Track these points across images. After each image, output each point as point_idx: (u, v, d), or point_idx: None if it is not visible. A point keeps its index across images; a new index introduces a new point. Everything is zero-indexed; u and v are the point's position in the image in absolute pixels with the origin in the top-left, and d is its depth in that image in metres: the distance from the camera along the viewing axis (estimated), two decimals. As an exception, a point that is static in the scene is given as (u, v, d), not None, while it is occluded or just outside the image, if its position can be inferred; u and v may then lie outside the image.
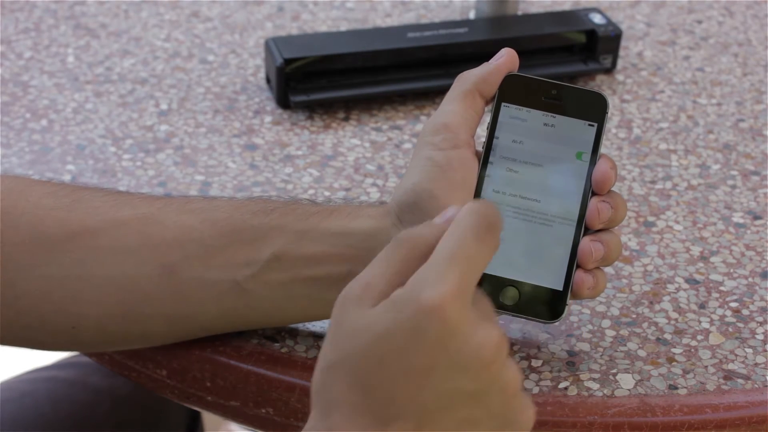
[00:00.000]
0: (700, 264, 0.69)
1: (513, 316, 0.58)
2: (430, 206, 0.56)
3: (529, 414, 0.48)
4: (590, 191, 0.58)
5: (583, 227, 0.58)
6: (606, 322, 0.64)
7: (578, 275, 0.57)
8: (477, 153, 0.59)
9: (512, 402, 0.47)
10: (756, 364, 0.62)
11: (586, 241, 0.57)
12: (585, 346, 0.62)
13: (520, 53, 0.60)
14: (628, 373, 0.61)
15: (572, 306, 0.65)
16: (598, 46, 0.88)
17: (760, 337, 0.64)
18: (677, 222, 0.73)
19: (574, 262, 0.57)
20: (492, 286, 0.57)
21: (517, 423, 0.48)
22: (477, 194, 0.58)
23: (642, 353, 0.62)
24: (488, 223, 0.48)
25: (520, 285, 0.57)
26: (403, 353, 0.45)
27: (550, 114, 0.59)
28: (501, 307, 0.57)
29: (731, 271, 0.69)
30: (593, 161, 0.58)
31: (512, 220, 0.58)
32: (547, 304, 0.57)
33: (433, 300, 0.45)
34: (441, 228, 0.48)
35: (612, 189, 0.58)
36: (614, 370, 0.61)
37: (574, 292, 0.57)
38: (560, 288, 0.57)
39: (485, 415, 0.47)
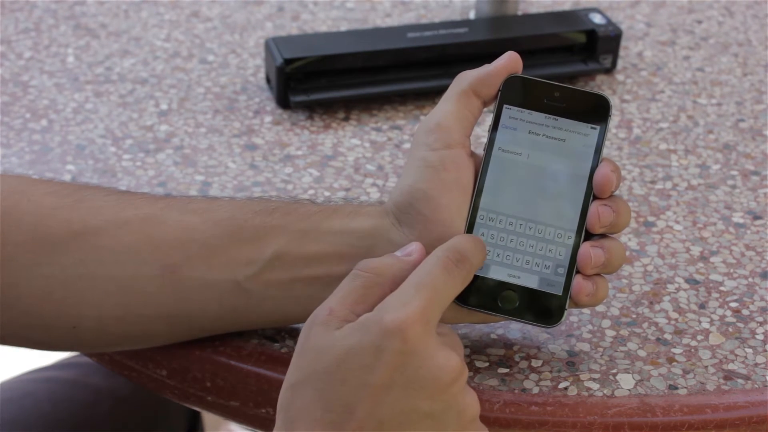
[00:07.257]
0: (700, 264, 0.70)
1: (511, 320, 0.58)
2: (425, 206, 0.56)
3: None
4: (592, 195, 0.58)
5: (584, 232, 0.57)
6: (606, 322, 0.64)
7: (577, 281, 0.57)
8: (474, 153, 0.59)
9: (469, 427, 0.50)
10: (756, 364, 0.62)
11: (585, 247, 0.57)
12: (585, 346, 0.63)
13: (520, 53, 0.59)
14: (628, 373, 0.61)
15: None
16: (598, 46, 0.88)
17: (760, 337, 0.64)
18: (677, 222, 0.73)
19: (573, 267, 0.57)
20: (491, 289, 0.57)
21: None
22: (478, 194, 0.57)
23: (642, 353, 0.62)
24: (459, 256, 0.52)
25: (519, 289, 0.57)
26: (364, 370, 0.48)
27: (552, 116, 0.59)
28: (500, 310, 0.57)
29: (731, 271, 0.69)
30: (595, 164, 0.58)
31: (512, 223, 0.58)
32: (546, 309, 0.57)
33: (395, 321, 0.48)
34: (400, 259, 0.53)
35: (615, 194, 0.58)
36: (614, 370, 0.61)
37: (573, 299, 0.57)
38: (559, 293, 0.57)
39: None
